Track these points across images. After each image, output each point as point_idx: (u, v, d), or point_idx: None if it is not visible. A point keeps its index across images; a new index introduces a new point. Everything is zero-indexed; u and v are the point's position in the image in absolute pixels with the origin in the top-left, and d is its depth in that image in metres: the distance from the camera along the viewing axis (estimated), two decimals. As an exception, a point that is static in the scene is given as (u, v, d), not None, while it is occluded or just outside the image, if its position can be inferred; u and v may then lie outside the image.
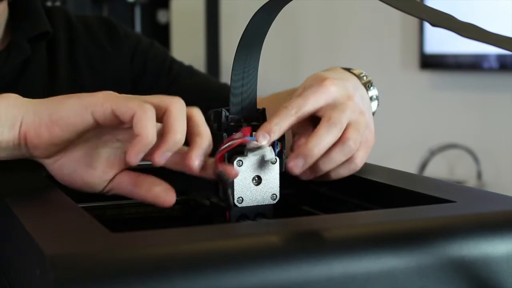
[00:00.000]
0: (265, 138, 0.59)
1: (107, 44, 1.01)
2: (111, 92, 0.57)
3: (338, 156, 0.63)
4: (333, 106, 0.64)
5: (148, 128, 0.53)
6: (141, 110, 0.54)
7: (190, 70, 1.05)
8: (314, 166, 0.62)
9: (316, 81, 0.65)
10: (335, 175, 0.65)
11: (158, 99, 0.56)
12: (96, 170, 0.59)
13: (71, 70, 0.97)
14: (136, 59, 1.02)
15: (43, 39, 0.95)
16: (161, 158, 0.55)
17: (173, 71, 1.03)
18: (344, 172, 0.65)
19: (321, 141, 0.61)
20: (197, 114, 0.58)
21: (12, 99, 0.58)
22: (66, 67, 0.96)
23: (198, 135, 0.57)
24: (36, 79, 0.94)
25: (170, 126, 0.55)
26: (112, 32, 1.02)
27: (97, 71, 0.99)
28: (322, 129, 0.62)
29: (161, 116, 0.56)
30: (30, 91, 0.88)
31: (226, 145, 0.58)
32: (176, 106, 0.56)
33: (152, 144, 0.54)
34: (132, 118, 0.54)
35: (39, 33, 0.94)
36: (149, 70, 1.02)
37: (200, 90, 1.02)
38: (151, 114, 0.54)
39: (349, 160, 0.64)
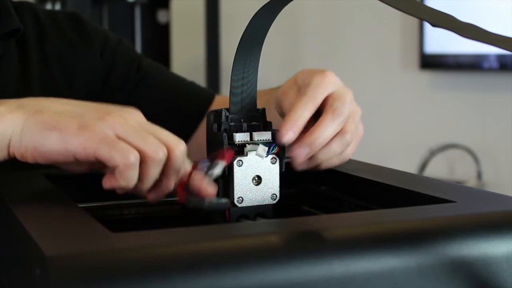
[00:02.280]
0: (292, 133, 0.60)
1: (76, 40, 0.98)
2: (93, 128, 0.55)
3: (336, 147, 0.64)
4: (336, 97, 0.65)
5: (128, 180, 0.54)
6: (123, 163, 0.53)
7: (158, 68, 1.04)
8: (312, 156, 0.63)
9: (316, 73, 0.66)
10: (327, 165, 0.66)
11: (160, 140, 0.56)
12: (82, 168, 0.59)
13: (42, 68, 0.94)
14: (105, 55, 1.00)
15: (14, 36, 0.92)
16: (155, 200, 0.58)
17: (142, 69, 1.01)
18: (335, 162, 0.66)
19: (326, 131, 0.62)
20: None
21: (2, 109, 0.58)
22: (37, 65, 0.94)
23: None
24: (8, 78, 0.91)
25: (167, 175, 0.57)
26: (81, 28, 0.99)
27: (68, 67, 0.96)
28: (327, 119, 0.62)
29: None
30: (2, 91, 0.88)
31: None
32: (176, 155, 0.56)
33: (130, 188, 0.55)
34: (114, 167, 0.54)
35: (9, 30, 0.90)
36: (118, 67, 1.00)
37: (169, 88, 1.01)
38: (133, 166, 0.54)
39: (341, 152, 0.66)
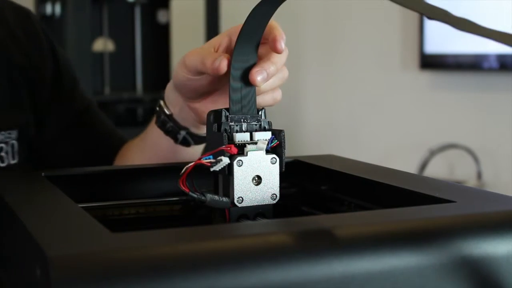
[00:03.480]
0: (262, 74, 0.63)
1: (21, 35, 0.93)
2: None
3: (277, 80, 0.69)
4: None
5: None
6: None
7: (92, 104, 1.01)
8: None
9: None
10: (262, 102, 0.69)
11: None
12: None
13: None
14: (56, 69, 0.96)
15: None
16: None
17: (77, 101, 0.98)
18: (269, 100, 0.70)
19: (280, 61, 0.67)
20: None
21: None
22: None
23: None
24: None
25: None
26: (29, 25, 0.94)
27: (8, 60, 0.91)
28: (283, 55, 0.67)
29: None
30: None
31: (183, 169, 0.58)
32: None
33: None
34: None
35: None
36: (64, 87, 0.97)
37: (95, 128, 0.99)
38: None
39: (275, 89, 0.70)
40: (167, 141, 0.82)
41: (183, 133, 0.80)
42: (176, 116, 0.80)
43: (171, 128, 0.80)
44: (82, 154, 0.98)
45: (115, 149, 0.99)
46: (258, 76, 0.62)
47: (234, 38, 0.66)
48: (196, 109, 0.76)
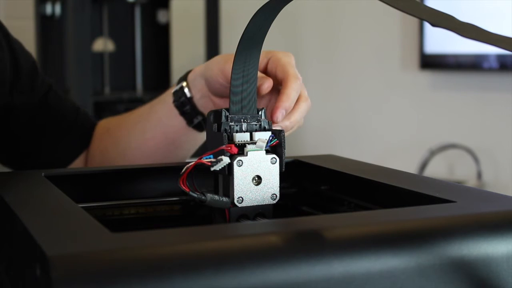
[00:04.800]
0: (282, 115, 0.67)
1: None
2: None
3: (304, 111, 0.71)
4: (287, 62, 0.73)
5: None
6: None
7: (51, 88, 0.99)
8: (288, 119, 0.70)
9: (277, 53, 0.74)
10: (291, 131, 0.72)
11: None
12: None
13: None
14: (13, 58, 0.92)
15: None
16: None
17: (38, 86, 0.96)
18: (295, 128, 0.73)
19: (294, 93, 0.70)
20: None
21: None
22: None
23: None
24: None
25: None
26: None
27: None
28: (293, 83, 0.70)
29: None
30: None
31: (184, 169, 0.58)
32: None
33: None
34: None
35: None
36: (23, 76, 0.94)
37: (63, 111, 0.98)
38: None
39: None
40: (179, 122, 0.83)
41: (199, 117, 0.82)
42: (197, 101, 0.81)
43: (189, 110, 0.82)
44: (50, 139, 0.96)
45: (88, 130, 0.98)
46: (277, 114, 0.67)
47: (270, 55, 0.72)
48: (219, 105, 0.78)
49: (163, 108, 0.85)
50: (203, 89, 0.80)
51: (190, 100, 0.82)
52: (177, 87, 0.83)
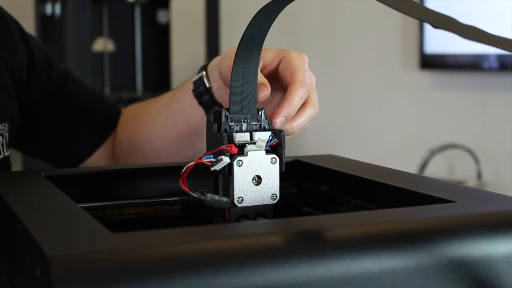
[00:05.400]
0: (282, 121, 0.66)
1: None
2: None
3: (308, 118, 0.71)
4: (297, 66, 0.72)
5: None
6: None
7: (73, 75, 1.01)
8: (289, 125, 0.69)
9: (292, 55, 0.73)
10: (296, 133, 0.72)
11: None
12: None
13: None
14: (28, 51, 0.94)
15: None
16: None
17: (54, 77, 0.97)
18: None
19: (297, 100, 0.69)
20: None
21: None
22: None
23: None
24: None
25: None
26: None
27: None
28: (297, 90, 0.69)
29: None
30: None
31: (184, 169, 0.58)
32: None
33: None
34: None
35: None
36: (38, 68, 0.95)
37: (84, 98, 0.99)
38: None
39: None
40: (200, 111, 0.83)
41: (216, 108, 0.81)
42: (215, 92, 0.81)
43: (207, 101, 0.82)
44: (73, 127, 0.97)
45: (113, 116, 0.99)
46: (277, 120, 0.66)
47: (283, 55, 0.72)
48: None
49: (185, 97, 0.85)
50: (219, 80, 0.80)
51: (208, 90, 0.81)
52: (197, 77, 0.82)
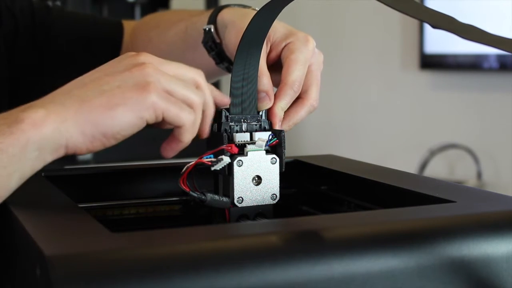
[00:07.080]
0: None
1: None
2: (156, 85, 0.55)
3: (304, 114, 0.69)
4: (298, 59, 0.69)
5: (188, 138, 0.57)
6: (189, 124, 0.56)
7: (60, 10, 0.98)
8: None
9: (298, 40, 0.69)
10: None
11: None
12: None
13: None
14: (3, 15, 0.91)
15: None
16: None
17: (46, 19, 0.95)
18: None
19: (289, 97, 0.66)
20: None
21: (45, 117, 0.54)
22: None
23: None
24: None
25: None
26: None
27: None
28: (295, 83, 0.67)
29: None
30: None
31: (184, 168, 0.58)
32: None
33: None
34: (178, 126, 0.56)
35: None
36: (20, 27, 0.93)
37: (81, 22, 0.97)
38: (196, 128, 0.57)
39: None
40: (209, 61, 0.81)
41: (225, 64, 0.80)
42: (224, 46, 0.78)
43: (215, 55, 0.80)
44: (70, 61, 0.95)
45: (112, 38, 0.96)
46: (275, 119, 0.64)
47: (289, 41, 0.68)
48: None
49: (197, 40, 0.83)
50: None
51: (217, 45, 0.79)
52: (207, 28, 0.79)
